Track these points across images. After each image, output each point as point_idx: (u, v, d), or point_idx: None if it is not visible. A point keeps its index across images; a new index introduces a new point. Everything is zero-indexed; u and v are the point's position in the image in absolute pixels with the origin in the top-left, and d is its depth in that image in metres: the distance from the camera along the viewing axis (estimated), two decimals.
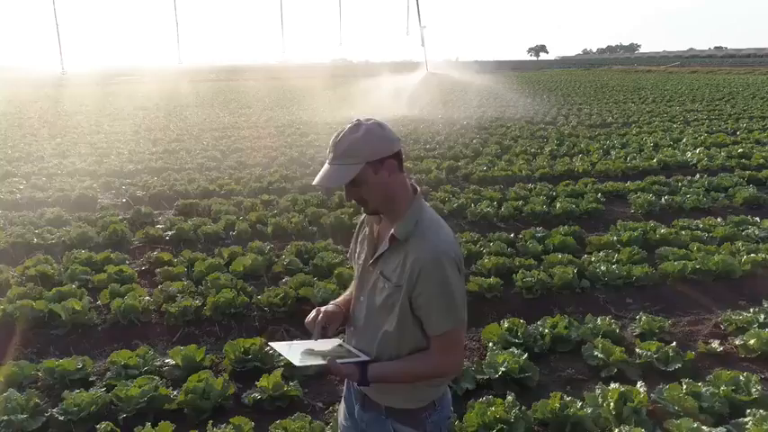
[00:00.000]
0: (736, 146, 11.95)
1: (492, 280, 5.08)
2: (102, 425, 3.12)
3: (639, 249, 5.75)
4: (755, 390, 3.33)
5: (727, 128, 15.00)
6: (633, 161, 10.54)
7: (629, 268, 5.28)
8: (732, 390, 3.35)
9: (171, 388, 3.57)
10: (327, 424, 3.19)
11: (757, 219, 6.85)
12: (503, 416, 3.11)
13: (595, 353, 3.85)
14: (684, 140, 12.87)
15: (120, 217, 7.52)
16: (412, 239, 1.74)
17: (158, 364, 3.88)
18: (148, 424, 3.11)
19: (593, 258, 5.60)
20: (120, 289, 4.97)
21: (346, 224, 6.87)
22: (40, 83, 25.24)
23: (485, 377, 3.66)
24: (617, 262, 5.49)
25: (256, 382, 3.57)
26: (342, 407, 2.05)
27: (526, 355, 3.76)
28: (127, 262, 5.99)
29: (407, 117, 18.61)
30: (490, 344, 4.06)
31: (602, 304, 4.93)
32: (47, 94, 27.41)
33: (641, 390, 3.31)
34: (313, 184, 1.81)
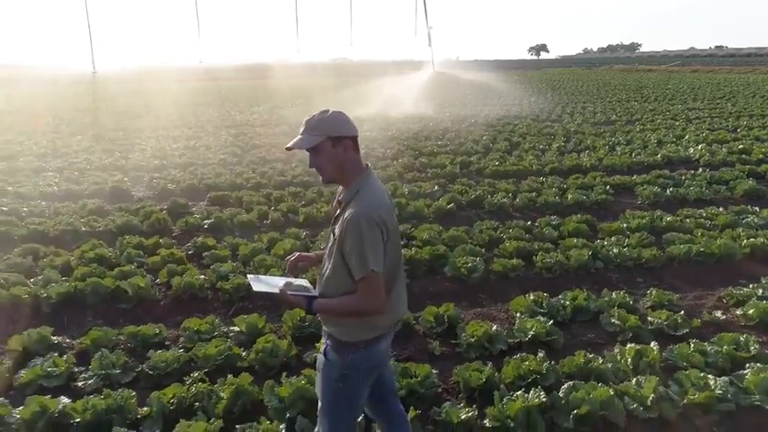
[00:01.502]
0: (736, 142, 12.43)
1: (515, 261, 5.58)
2: (194, 374, 3.62)
3: (648, 235, 6.25)
4: (754, 348, 3.83)
5: (728, 125, 15.48)
6: (638, 156, 11.02)
7: (639, 251, 5.77)
8: (733, 348, 3.85)
9: (241, 349, 4.07)
10: None
11: (756, 208, 7.34)
12: (536, 368, 3.61)
13: (612, 320, 4.35)
14: (687, 137, 13.35)
15: (159, 207, 8.01)
16: (351, 203, 2.24)
17: (225, 330, 4.38)
18: (230, 376, 3.60)
19: (605, 243, 6.10)
20: (177, 269, 5.47)
21: None
22: (70, 81, 25.65)
23: (516, 340, 4.16)
24: (627, 246, 5.98)
25: (316, 344, 4.06)
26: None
27: (551, 322, 4.26)
28: (174, 247, 6.48)
29: (416, 115, 19.09)
30: (518, 314, 4.56)
31: (614, 283, 5.42)
32: (72, 91, 27.76)
33: (654, 348, 3.80)
34: (285, 147, 2.37)
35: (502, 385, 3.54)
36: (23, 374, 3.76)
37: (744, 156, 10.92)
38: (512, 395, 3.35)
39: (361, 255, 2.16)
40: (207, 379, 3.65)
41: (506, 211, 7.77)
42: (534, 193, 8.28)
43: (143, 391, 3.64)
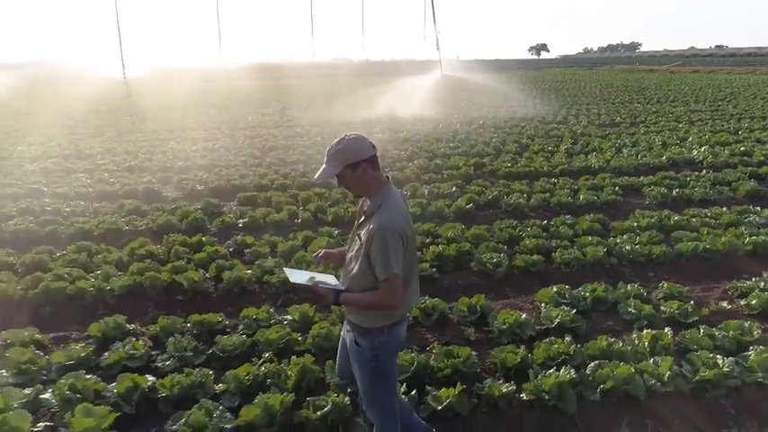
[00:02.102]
0: (738, 144, 12.90)
1: (535, 257, 6.05)
2: (265, 355, 4.09)
3: (657, 233, 6.72)
4: (756, 333, 4.30)
5: (729, 127, 15.95)
6: (644, 158, 11.49)
7: (650, 248, 6.24)
8: (739, 333, 4.32)
9: (297, 335, 4.53)
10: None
11: (758, 208, 7.82)
12: (564, 350, 4.08)
13: (629, 309, 4.82)
14: (690, 139, 13.82)
15: (194, 207, 8.47)
16: (375, 215, 2.68)
17: (279, 318, 4.85)
18: (293, 357, 4.07)
19: (618, 240, 6.57)
20: (226, 264, 5.95)
21: None
22: (100, 86, 26.07)
23: (543, 327, 4.63)
24: (639, 243, 6.45)
25: None
26: (345, 324, 3.05)
27: (574, 311, 4.73)
28: (215, 244, 6.95)
29: (425, 117, 19.56)
30: (542, 304, 5.03)
31: (628, 277, 5.88)
32: (95, 93, 28.10)
33: (668, 333, 4.28)
34: (314, 178, 2.86)
35: (534, 365, 4.00)
36: (108, 356, 4.23)
37: (745, 158, 11.39)
38: (545, 373, 3.82)
39: (386, 260, 2.59)
40: (275, 359, 4.12)
41: (522, 210, 8.24)
42: (547, 194, 8.75)
43: (215, 372, 4.11)
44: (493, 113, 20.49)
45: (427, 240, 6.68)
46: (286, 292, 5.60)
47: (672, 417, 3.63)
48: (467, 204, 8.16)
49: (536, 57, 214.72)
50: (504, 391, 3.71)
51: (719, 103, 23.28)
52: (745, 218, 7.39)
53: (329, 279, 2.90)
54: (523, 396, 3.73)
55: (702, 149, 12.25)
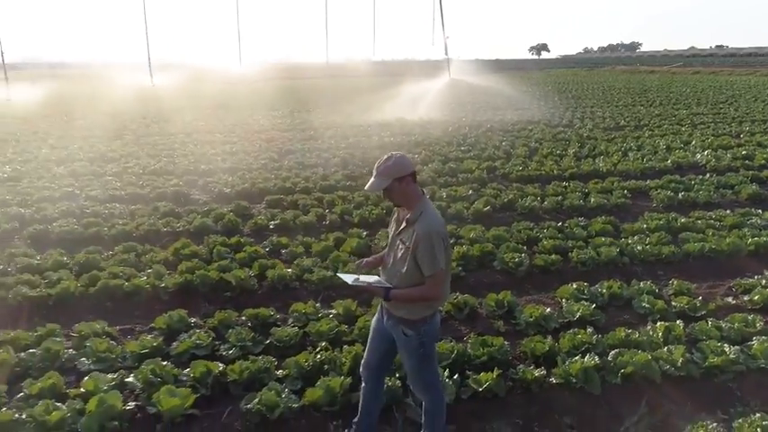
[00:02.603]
0: (740, 148, 13.38)
1: (554, 257, 6.53)
2: (322, 344, 4.58)
3: (665, 234, 7.20)
4: (759, 325, 4.79)
5: (731, 131, 16.43)
6: (650, 162, 11.97)
7: (659, 248, 6.72)
8: (743, 325, 4.81)
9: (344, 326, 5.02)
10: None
11: (759, 211, 8.30)
12: (587, 340, 4.56)
13: (643, 304, 5.30)
14: (693, 143, 14.30)
15: (226, 210, 8.94)
16: (417, 222, 3.15)
17: (325, 312, 5.33)
18: (345, 346, 4.55)
19: (629, 241, 7.05)
20: (268, 263, 6.43)
21: None
22: (128, 91, 26.49)
23: (565, 320, 5.12)
24: (649, 244, 6.93)
25: None
26: (375, 317, 3.53)
27: (594, 306, 5.21)
28: (252, 245, 7.42)
29: (434, 120, 20.03)
30: (563, 300, 5.52)
31: (639, 275, 6.34)
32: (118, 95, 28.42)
33: (680, 325, 4.76)
34: (364, 189, 3.34)
35: (561, 353, 4.49)
36: (177, 346, 4.71)
37: (747, 161, 11.87)
38: (571, 359, 4.31)
39: (432, 258, 3.06)
40: (329, 348, 4.60)
41: (537, 213, 8.71)
42: (560, 197, 9.22)
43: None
44: (499, 117, 20.96)
45: (451, 241, 7.14)
46: (325, 289, 6.08)
47: (685, 398, 4.11)
48: (484, 207, 8.64)
49: (536, 57, 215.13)
50: (536, 375, 4.19)
51: (721, 105, 23.75)
52: (748, 220, 7.86)
53: (374, 279, 3.37)
54: (553, 380, 4.22)
55: (705, 153, 12.73)
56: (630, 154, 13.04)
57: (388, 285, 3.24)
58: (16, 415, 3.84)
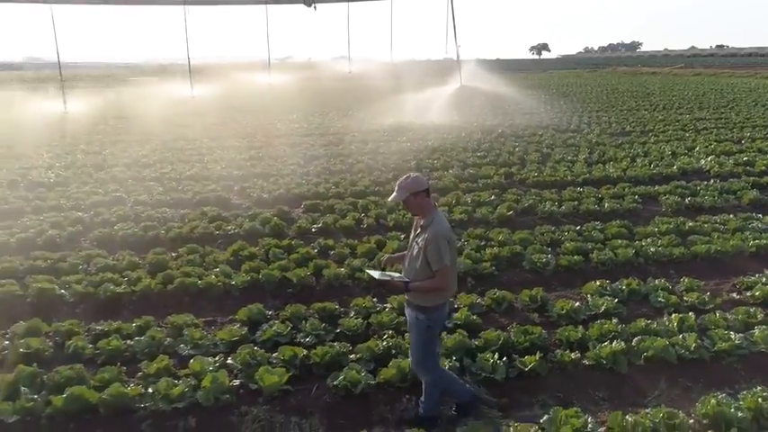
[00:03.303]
0: (741, 154, 14.16)
1: (576, 257, 7.32)
2: (384, 332, 5.37)
3: (675, 237, 7.99)
4: (760, 316, 5.59)
5: (732, 136, 17.21)
6: (657, 168, 12.75)
7: (671, 250, 7.51)
8: (746, 316, 5.60)
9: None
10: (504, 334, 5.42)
11: (760, 215, 9.09)
12: (613, 329, 5.35)
13: (659, 299, 6.10)
14: (697, 149, 15.09)
15: (270, 214, 9.71)
16: (428, 227, 3.99)
17: (382, 306, 6.12)
18: (405, 334, 5.34)
19: (643, 243, 7.84)
20: (323, 263, 7.22)
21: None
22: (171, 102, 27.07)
23: (592, 312, 5.91)
24: (661, 245, 7.72)
25: (453, 315, 5.80)
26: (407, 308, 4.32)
27: (616, 300, 6.01)
28: (302, 247, 8.20)
29: (447, 125, 20.80)
30: (588, 295, 6.31)
31: (653, 274, 7.13)
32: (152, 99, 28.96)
33: (691, 316, 5.56)
34: (387, 201, 4.77)
35: (591, 340, 5.28)
36: (261, 334, 5.51)
37: (748, 168, 12.65)
38: (601, 345, 5.09)
39: (439, 257, 3.89)
40: (394, 335, 5.40)
41: (555, 217, 9.50)
42: (576, 202, 10.01)
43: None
44: (509, 121, 21.72)
45: (482, 243, 7.96)
46: (375, 286, 6.87)
47: (697, 376, 4.90)
48: (507, 211, 9.43)
49: (537, 57, 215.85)
50: (572, 357, 4.99)
51: (722, 110, 24.50)
52: (749, 224, 8.65)
53: (396, 274, 4.22)
54: (586, 362, 5.01)
55: (709, 159, 13.51)
56: (638, 160, 13.82)
57: (407, 279, 4.08)
58: (142, 389, 4.64)
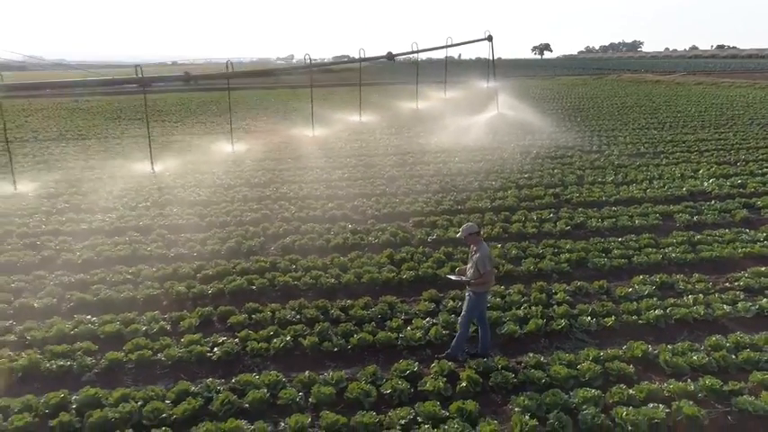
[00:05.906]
0: (735, 177, 17.84)
1: (622, 261, 11.04)
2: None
3: (688, 246, 11.71)
4: (742, 296, 9.32)
5: (730, 158, 20.88)
6: (670, 189, 16.44)
7: (685, 255, 11.24)
8: (734, 297, 9.34)
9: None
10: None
11: (748, 230, 12.80)
12: (654, 304, 9.09)
13: (680, 286, 9.82)
14: (701, 171, 18.77)
15: (394, 228, 13.37)
16: (477, 251, 7.68)
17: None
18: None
19: (666, 250, 11.56)
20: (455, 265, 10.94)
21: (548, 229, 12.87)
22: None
23: (638, 295, 9.64)
24: (678, 252, 11.43)
25: (515, 310, 9.51)
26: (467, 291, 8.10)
27: (654, 287, 9.74)
28: (431, 254, 11.86)
29: (486, 147, 24.44)
30: (635, 285, 10.03)
31: (674, 271, 10.83)
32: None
33: (701, 296, 9.30)
34: (456, 236, 8.99)
35: (643, 310, 8.99)
36: (445, 309, 9.22)
37: (740, 189, 16.35)
38: (650, 312, 8.81)
39: (483, 265, 7.53)
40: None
41: (600, 232, 13.20)
42: (614, 219, 13.71)
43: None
44: (539, 142, 25.37)
45: (555, 251, 11.66)
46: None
47: (702, 330, 8.62)
48: (566, 226, 13.14)
49: (539, 56, 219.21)
50: (633, 318, 8.71)
51: (722, 130, 28.10)
52: (740, 236, 12.35)
53: (463, 277, 7.94)
54: (640, 321, 8.73)
55: (711, 181, 17.20)
56: (655, 182, 17.51)
57: (468, 279, 7.75)
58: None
